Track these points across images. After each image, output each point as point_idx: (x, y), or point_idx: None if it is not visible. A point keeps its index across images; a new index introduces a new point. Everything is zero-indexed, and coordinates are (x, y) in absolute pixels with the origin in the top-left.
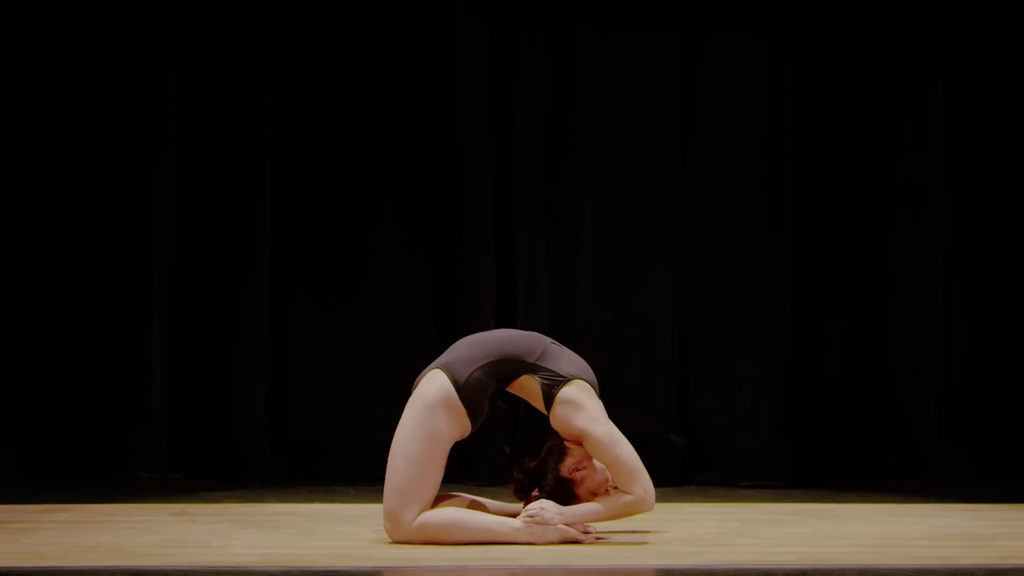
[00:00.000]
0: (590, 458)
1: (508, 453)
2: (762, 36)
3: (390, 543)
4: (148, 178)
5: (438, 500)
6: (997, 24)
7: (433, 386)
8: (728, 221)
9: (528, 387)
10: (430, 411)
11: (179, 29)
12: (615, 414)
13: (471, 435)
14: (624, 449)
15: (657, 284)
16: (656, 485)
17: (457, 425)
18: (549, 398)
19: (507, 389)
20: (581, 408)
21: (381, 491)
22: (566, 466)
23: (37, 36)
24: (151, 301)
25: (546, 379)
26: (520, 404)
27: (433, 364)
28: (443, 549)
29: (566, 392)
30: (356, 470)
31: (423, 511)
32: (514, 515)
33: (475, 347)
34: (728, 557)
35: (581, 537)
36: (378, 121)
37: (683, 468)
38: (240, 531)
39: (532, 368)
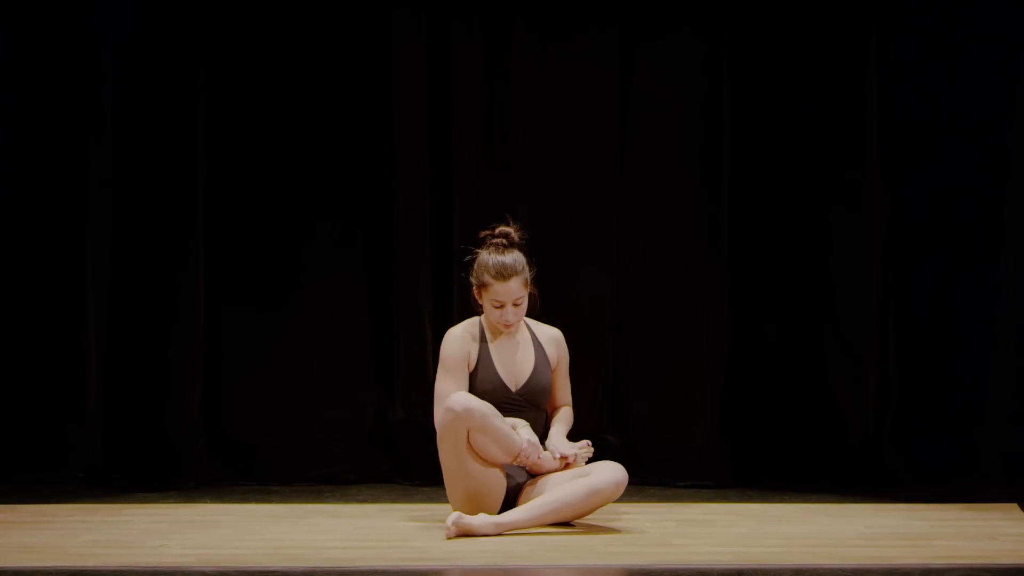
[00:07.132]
0: None
1: None
2: (699, 38)
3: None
4: (83, 179)
5: None
6: (931, 24)
7: None
8: (665, 222)
9: None
10: None
11: (114, 34)
12: None
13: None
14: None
15: (593, 285)
16: None
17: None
18: None
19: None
20: None
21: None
22: None
23: None
24: (87, 302)
25: None
26: None
27: None
28: (373, 548)
29: None
30: (292, 471)
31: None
32: None
33: None
34: (664, 557)
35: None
36: (315, 125)
37: None
38: (177, 531)
39: None
